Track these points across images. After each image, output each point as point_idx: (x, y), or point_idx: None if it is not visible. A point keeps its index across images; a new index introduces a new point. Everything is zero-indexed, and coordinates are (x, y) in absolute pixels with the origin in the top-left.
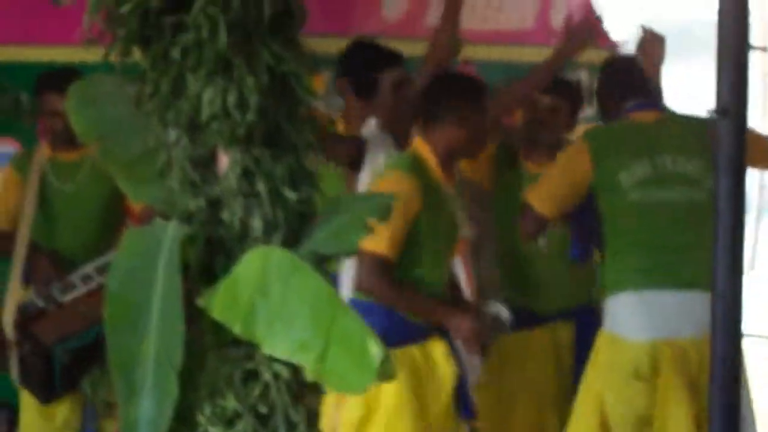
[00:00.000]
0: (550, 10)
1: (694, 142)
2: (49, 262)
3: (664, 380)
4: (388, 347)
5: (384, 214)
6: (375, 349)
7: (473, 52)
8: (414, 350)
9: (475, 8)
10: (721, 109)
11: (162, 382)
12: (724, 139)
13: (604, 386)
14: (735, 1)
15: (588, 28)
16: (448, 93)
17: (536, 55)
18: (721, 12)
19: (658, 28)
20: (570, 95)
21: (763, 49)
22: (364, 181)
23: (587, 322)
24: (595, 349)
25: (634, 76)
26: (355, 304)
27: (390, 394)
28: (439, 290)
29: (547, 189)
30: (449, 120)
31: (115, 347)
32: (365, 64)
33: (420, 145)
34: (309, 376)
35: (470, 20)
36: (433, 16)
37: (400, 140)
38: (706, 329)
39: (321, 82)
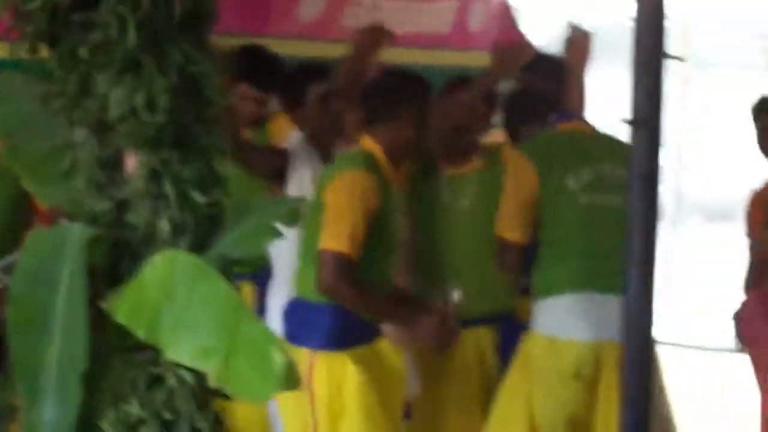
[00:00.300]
0: (467, 14)
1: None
2: None
3: (607, 381)
4: (340, 348)
5: (293, 218)
6: (279, 356)
7: (392, 55)
8: (367, 350)
9: (394, 12)
10: (636, 120)
11: (65, 387)
12: (639, 149)
13: (535, 388)
14: (652, 7)
15: (518, 52)
16: (396, 91)
17: (453, 58)
18: (637, 19)
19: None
20: (488, 99)
21: (680, 58)
22: (293, 194)
23: (509, 328)
24: (523, 351)
25: (558, 84)
26: (304, 305)
27: (353, 397)
28: (389, 290)
29: (511, 216)
30: (399, 118)
31: (18, 350)
32: (292, 77)
33: (369, 144)
34: (212, 382)
35: (389, 24)
36: (349, 17)
37: (325, 154)
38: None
39: None
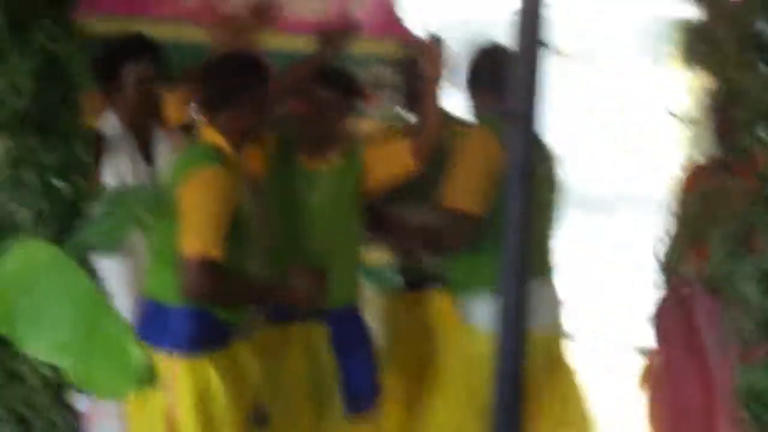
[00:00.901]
0: (349, 1)
1: None
2: None
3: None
4: (200, 353)
5: (156, 208)
6: (137, 354)
7: (270, 41)
8: (224, 355)
9: None
10: (514, 113)
11: None
12: (515, 143)
13: (469, 374)
14: (531, 2)
15: (343, 32)
16: (234, 74)
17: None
18: (519, 11)
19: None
20: (345, 87)
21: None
22: (109, 180)
23: (348, 320)
24: (453, 339)
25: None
26: (161, 307)
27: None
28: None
29: (471, 187)
30: (239, 102)
31: None
32: (107, 55)
33: (210, 134)
34: (70, 379)
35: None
36: (231, 3)
37: (143, 138)
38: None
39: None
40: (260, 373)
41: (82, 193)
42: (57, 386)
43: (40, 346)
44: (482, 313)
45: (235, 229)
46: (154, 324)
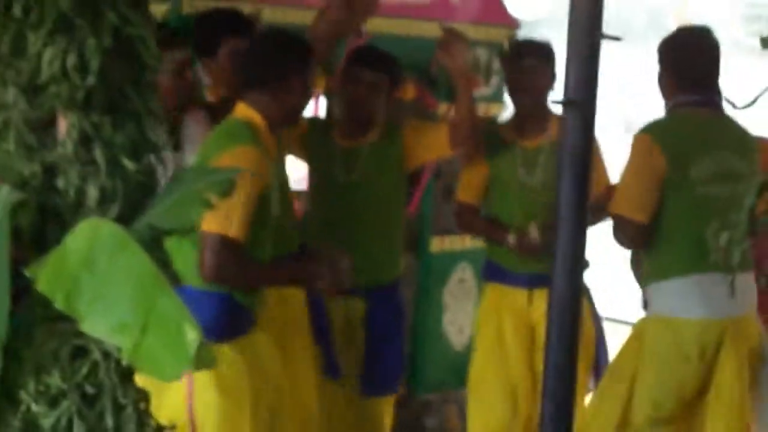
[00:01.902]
0: None
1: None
2: None
3: (724, 358)
4: (228, 338)
5: (226, 189)
6: (192, 335)
7: (372, 25)
8: (244, 341)
9: None
10: (568, 100)
11: None
12: (571, 129)
13: (647, 368)
14: None
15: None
16: (284, 55)
17: (435, 30)
18: (573, 4)
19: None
20: (390, 70)
21: (617, 38)
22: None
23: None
24: (636, 333)
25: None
26: (184, 291)
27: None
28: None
29: (635, 195)
30: (285, 84)
31: None
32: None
33: (246, 111)
34: (125, 358)
35: None
36: None
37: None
38: (749, 308)
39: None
40: (279, 361)
41: (153, 174)
42: (121, 363)
43: (101, 325)
44: (671, 302)
45: (260, 211)
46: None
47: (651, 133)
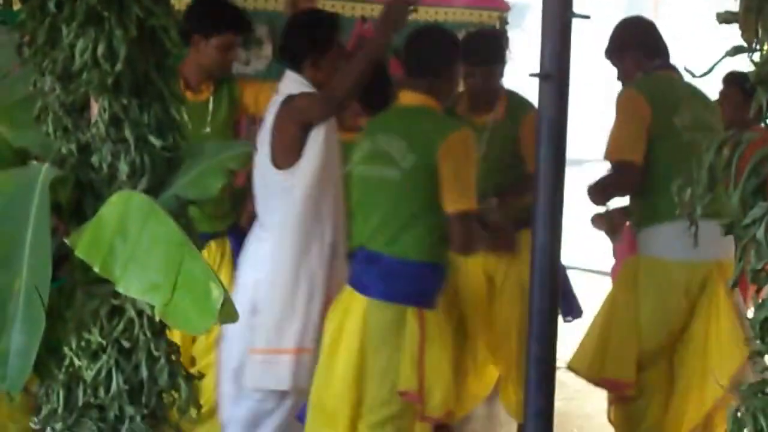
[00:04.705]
0: None
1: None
2: None
3: (708, 295)
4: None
5: (245, 161)
6: (216, 292)
7: (370, 11)
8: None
9: None
10: (544, 74)
11: (31, 316)
12: (546, 101)
13: (641, 303)
14: None
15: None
16: (444, 46)
17: (466, 15)
18: None
19: None
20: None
21: (587, 17)
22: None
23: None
24: (628, 271)
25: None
26: (411, 264)
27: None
28: None
29: (628, 140)
30: (447, 72)
31: None
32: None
33: (424, 100)
34: (157, 314)
35: None
36: None
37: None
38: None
39: None
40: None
41: (176, 149)
42: (153, 319)
43: (134, 286)
44: (658, 244)
45: None
46: (403, 282)
47: (635, 87)
